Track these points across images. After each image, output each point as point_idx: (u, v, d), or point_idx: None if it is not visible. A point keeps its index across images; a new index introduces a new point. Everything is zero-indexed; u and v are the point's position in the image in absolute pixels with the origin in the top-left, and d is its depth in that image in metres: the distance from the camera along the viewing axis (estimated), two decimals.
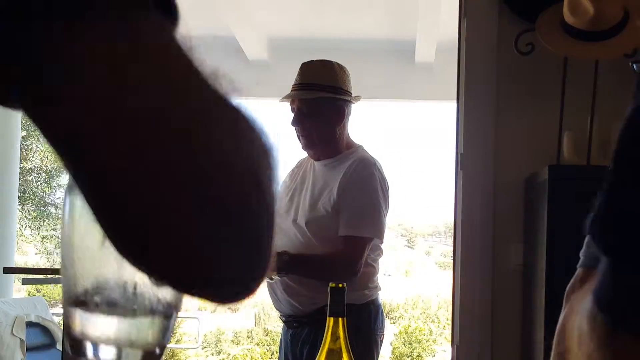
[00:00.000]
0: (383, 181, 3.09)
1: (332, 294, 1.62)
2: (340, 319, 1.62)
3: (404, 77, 7.02)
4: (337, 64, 3.13)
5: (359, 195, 3.02)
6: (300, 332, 2.99)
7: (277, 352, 3.30)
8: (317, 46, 6.78)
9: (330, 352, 1.61)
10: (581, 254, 1.71)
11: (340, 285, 1.62)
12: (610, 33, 3.12)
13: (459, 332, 3.50)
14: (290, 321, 3.07)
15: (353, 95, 3.15)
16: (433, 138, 23.28)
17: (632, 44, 3.02)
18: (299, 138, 3.13)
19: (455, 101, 3.64)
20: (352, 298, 2.97)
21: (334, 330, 1.61)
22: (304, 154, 3.28)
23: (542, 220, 3.11)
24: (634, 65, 1.88)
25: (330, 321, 1.62)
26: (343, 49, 6.71)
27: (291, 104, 3.11)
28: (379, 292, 3.14)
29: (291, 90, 3.10)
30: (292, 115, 3.11)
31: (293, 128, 3.12)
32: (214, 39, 7.01)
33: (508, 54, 3.42)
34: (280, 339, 3.23)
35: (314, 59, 3.14)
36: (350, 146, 3.16)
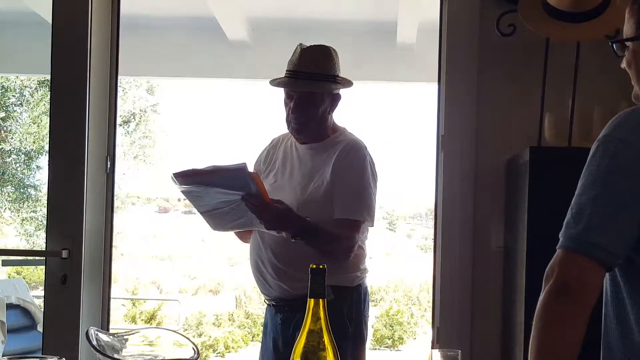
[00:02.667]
0: (372, 164, 3.08)
1: (312, 274, 1.61)
2: (320, 300, 1.61)
3: (385, 59, 6.98)
4: (333, 49, 3.10)
5: (353, 179, 3.00)
6: (292, 316, 2.97)
7: (257, 335, 3.28)
8: (298, 26, 6.73)
9: (310, 332, 1.60)
10: (560, 235, 1.72)
11: (321, 266, 1.61)
12: (592, 14, 3.11)
13: (440, 314, 3.51)
14: (281, 305, 3.05)
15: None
16: (414, 120, 23.26)
17: (613, 24, 3.01)
18: (289, 122, 3.09)
19: (437, 82, 3.63)
20: (345, 280, 2.97)
21: (315, 311, 1.60)
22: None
23: (523, 202, 3.11)
24: (614, 46, 1.88)
25: (310, 302, 1.61)
26: (323, 29, 6.67)
27: (288, 91, 3.06)
28: (367, 275, 3.14)
29: (290, 77, 3.05)
30: (286, 98, 3.06)
31: (286, 112, 3.07)
32: (194, 20, 6.95)
33: (490, 35, 3.41)
34: (266, 323, 3.19)
35: (312, 44, 3.07)
36: (336, 129, 3.14)
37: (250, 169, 2.92)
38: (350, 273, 3.02)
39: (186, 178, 2.84)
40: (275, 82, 3.07)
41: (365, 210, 3.01)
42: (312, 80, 3.01)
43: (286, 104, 3.08)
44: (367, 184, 3.03)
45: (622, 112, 1.75)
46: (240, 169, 2.79)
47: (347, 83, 3.10)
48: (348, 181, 2.99)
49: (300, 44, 3.08)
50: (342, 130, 3.14)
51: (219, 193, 2.83)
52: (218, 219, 2.98)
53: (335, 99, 3.10)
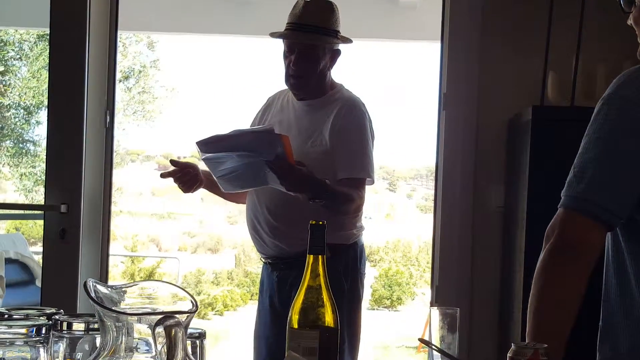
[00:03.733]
0: (370, 120, 3.06)
1: (312, 231, 1.59)
2: (320, 256, 1.60)
3: (388, 16, 6.94)
4: (335, 4, 3.06)
5: (354, 138, 2.98)
6: (287, 274, 2.97)
7: (257, 294, 3.27)
8: None
9: (309, 289, 1.59)
10: (562, 193, 1.70)
11: (320, 222, 1.59)
12: None
13: (439, 272, 3.51)
14: (277, 263, 3.05)
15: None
16: (416, 79, 23.18)
17: None
18: (288, 76, 3.05)
19: (439, 41, 3.60)
20: (341, 238, 2.97)
21: (314, 268, 1.59)
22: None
23: (524, 161, 3.10)
24: (621, 1, 1.85)
25: (310, 258, 1.60)
26: None
27: (289, 44, 3.03)
28: (362, 232, 3.13)
29: (292, 30, 3.01)
30: (287, 51, 3.02)
31: (285, 66, 3.04)
32: None
33: None
34: (262, 281, 3.19)
35: None
36: (334, 86, 3.11)
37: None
38: (346, 230, 3.01)
39: (210, 145, 2.83)
40: (277, 35, 3.04)
41: (367, 167, 3.00)
42: (315, 33, 2.98)
43: (286, 57, 3.04)
44: (368, 142, 3.01)
45: (627, 71, 1.73)
46: (268, 131, 2.80)
47: (347, 40, 3.07)
48: (349, 140, 2.97)
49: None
50: (339, 87, 3.11)
51: (242, 156, 2.82)
52: (234, 180, 2.97)
53: (335, 54, 3.07)
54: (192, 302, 1.20)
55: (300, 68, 3.00)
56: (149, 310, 1.21)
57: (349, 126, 2.99)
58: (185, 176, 3.01)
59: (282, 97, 3.17)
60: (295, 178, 2.83)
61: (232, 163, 2.86)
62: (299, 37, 2.99)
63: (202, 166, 2.99)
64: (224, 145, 2.83)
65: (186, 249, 17.45)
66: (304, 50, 2.99)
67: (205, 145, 2.83)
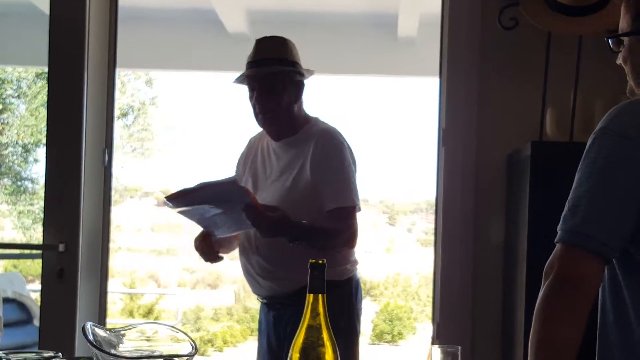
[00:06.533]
0: (349, 148, 3.05)
1: (312, 270, 1.59)
2: (320, 295, 1.59)
3: (386, 52, 6.97)
4: (289, 40, 3.07)
5: (336, 168, 2.97)
6: (283, 313, 2.96)
7: (256, 330, 3.26)
8: (298, 19, 6.71)
9: (309, 328, 1.58)
10: (558, 228, 1.70)
11: (320, 261, 1.59)
12: (593, 8, 3.10)
13: (440, 309, 3.49)
14: (273, 303, 3.03)
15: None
16: (415, 114, 23.24)
17: (615, 19, 2.98)
18: (256, 115, 3.05)
19: (438, 76, 3.61)
20: (334, 274, 2.94)
21: (314, 307, 1.59)
22: (252, 134, 3.22)
23: (524, 197, 3.09)
24: (610, 41, 1.87)
25: (310, 297, 1.59)
26: (324, 22, 6.66)
27: (249, 82, 3.04)
28: (357, 267, 3.11)
29: (248, 69, 3.03)
30: (249, 92, 3.03)
31: (252, 107, 3.04)
32: (194, 12, 6.94)
33: (491, 29, 3.39)
34: (260, 320, 3.18)
35: (266, 35, 3.07)
36: (308, 120, 3.11)
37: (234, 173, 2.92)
38: (340, 266, 2.99)
39: (178, 200, 2.85)
40: (237, 80, 3.06)
41: (354, 195, 2.99)
42: (267, 65, 2.99)
43: (250, 98, 3.04)
44: (349, 170, 3.01)
45: (619, 105, 1.75)
46: (230, 183, 2.84)
47: (308, 72, 3.07)
48: (331, 172, 2.96)
49: (257, 39, 3.08)
50: (314, 120, 3.11)
51: (212, 208, 2.84)
52: (217, 229, 2.98)
53: (299, 87, 3.06)
54: (191, 344, 1.19)
55: (263, 103, 3.00)
56: (147, 354, 1.19)
57: (329, 158, 2.98)
58: (208, 249, 3.03)
59: (262, 139, 3.17)
60: (268, 224, 2.82)
61: (209, 213, 2.88)
62: (254, 72, 3.00)
63: None
64: (190, 199, 2.84)
65: (185, 284, 17.37)
66: (263, 85, 3.00)
67: (175, 200, 2.85)
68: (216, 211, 2.86)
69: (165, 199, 2.85)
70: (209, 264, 3.08)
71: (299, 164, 2.99)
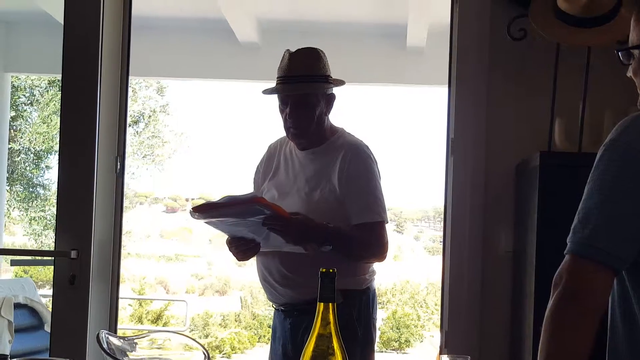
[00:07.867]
0: (376, 162, 3.07)
1: (322, 278, 1.60)
2: (330, 304, 1.60)
3: (395, 61, 6.99)
4: (321, 50, 3.08)
5: (363, 182, 2.98)
6: (301, 320, 2.96)
7: (264, 336, 3.26)
8: (308, 29, 6.74)
9: (320, 337, 1.60)
10: (568, 240, 1.71)
11: (330, 270, 1.60)
12: (603, 19, 3.11)
13: (448, 317, 3.50)
14: (290, 310, 3.03)
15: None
16: (424, 123, 23.27)
17: (624, 30, 3.00)
18: (287, 129, 3.06)
19: (447, 86, 3.63)
20: (354, 283, 2.96)
21: (324, 316, 1.60)
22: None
23: (532, 206, 3.10)
24: (620, 54, 1.88)
25: (320, 306, 1.60)
26: (334, 32, 6.68)
27: (282, 97, 3.04)
28: (375, 277, 3.13)
29: (282, 83, 3.01)
30: (281, 105, 3.03)
31: (283, 120, 3.05)
32: (205, 21, 6.97)
33: (500, 40, 3.40)
34: (274, 328, 3.16)
35: (300, 47, 3.06)
36: (335, 131, 3.11)
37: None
38: (359, 276, 3.00)
39: (203, 212, 2.85)
40: (268, 91, 3.05)
41: (382, 210, 3.00)
42: (303, 82, 2.99)
43: (282, 111, 3.03)
44: (377, 184, 3.02)
45: (629, 117, 1.75)
46: (250, 200, 2.81)
47: (339, 82, 3.08)
48: (359, 186, 2.97)
49: (288, 50, 3.06)
50: (341, 131, 3.12)
51: (239, 221, 2.85)
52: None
53: (330, 99, 3.07)
54: (203, 352, 1.21)
55: (296, 119, 3.00)
56: None
57: (357, 171, 2.99)
58: (243, 245, 3.01)
59: (284, 146, 3.17)
60: (295, 228, 2.83)
61: (236, 226, 2.90)
62: (288, 89, 3.00)
63: None
64: (216, 213, 2.86)
65: (194, 291, 17.40)
66: (297, 101, 3.00)
67: (200, 212, 2.85)
68: (242, 226, 2.88)
69: (191, 211, 2.87)
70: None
71: (326, 174, 2.99)
